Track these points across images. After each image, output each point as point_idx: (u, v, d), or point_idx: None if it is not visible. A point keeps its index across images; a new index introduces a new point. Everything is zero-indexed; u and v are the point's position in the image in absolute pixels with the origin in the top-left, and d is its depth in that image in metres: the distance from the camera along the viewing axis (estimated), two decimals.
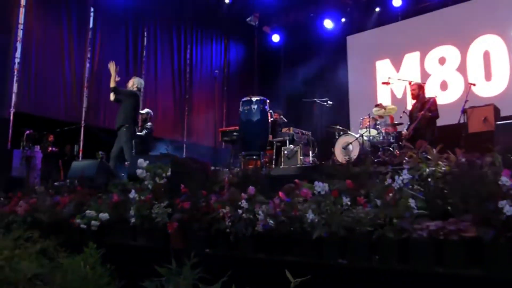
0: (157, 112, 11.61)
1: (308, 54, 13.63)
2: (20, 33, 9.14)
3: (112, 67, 6.84)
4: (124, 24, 11.16)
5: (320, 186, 2.19)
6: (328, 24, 13.34)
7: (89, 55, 10.42)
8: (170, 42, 12.27)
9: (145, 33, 11.69)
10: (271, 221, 2.51)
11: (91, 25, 10.54)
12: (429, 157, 2.42)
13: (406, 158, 2.41)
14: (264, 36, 14.52)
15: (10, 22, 8.96)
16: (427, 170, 2.34)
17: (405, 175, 2.12)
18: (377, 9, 12.53)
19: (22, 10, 9.15)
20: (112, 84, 6.82)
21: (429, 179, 2.31)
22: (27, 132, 8.88)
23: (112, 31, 10.85)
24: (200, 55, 12.98)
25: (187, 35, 12.68)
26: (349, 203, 2.16)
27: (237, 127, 7.93)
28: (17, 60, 9.12)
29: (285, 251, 2.46)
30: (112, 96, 7.02)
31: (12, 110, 9.01)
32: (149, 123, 8.33)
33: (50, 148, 9.62)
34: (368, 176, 2.39)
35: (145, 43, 11.72)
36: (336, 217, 2.10)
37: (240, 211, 2.51)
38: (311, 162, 8.56)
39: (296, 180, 2.71)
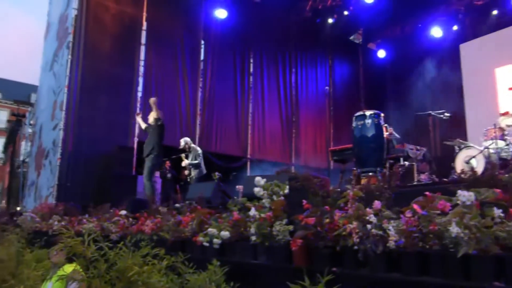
0: (265, 136, 11.86)
1: (417, 67, 13.02)
2: (141, 68, 10.07)
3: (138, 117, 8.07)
4: (232, 53, 11.71)
5: (465, 196, 1.94)
6: (438, 33, 12.62)
7: (201, 85, 11.09)
8: (275, 67, 12.55)
9: (251, 60, 12.10)
10: (402, 238, 2.30)
11: (202, 57, 11.24)
12: None
13: None
14: (369, 52, 14.24)
15: (133, 59, 9.93)
16: None
17: None
18: (494, 12, 11.55)
19: (142, 48, 10.09)
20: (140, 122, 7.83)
21: None
22: None
23: (220, 61, 11.45)
24: (305, 77, 13.06)
25: (291, 58, 12.86)
26: (502, 214, 1.88)
27: (347, 146, 7.72)
28: (139, 94, 10.02)
29: (422, 271, 2.22)
30: (143, 125, 7.86)
31: (135, 139, 9.83)
32: (199, 151, 8.69)
33: (169, 174, 10.25)
34: None
35: (251, 70, 12.12)
36: (487, 231, 1.83)
37: (369, 226, 2.33)
38: (428, 179, 7.94)
39: (427, 193, 2.47)
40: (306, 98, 12.81)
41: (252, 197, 3.80)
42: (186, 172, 8.87)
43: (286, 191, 3.43)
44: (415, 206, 2.22)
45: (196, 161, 8.70)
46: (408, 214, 2.29)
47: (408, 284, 2.24)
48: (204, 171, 8.65)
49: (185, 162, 8.72)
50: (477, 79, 11.78)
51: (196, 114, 10.83)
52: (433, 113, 8.56)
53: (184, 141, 8.83)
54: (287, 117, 12.51)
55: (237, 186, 8.31)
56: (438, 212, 2.23)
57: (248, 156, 11.55)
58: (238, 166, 11.10)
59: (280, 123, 12.32)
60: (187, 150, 8.78)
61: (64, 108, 9.26)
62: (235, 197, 5.33)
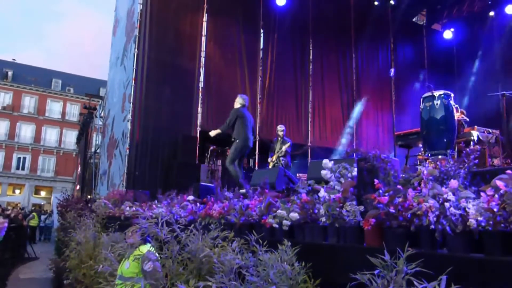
0: (326, 123, 11.74)
1: (487, 47, 12.29)
2: (202, 59, 10.30)
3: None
4: (291, 41, 11.67)
5: None
6: (511, 9, 11.80)
7: (260, 74, 11.15)
8: (335, 53, 12.37)
9: (311, 47, 11.99)
10: (483, 216, 2.21)
11: (261, 46, 11.28)
12: None
13: None
14: (433, 34, 13.64)
15: (195, 50, 10.17)
16: None
17: None
18: None
19: (203, 39, 10.30)
20: (215, 132, 6.98)
21: None
22: (211, 147, 9.84)
23: (280, 49, 11.45)
24: (366, 62, 12.75)
25: (351, 44, 12.60)
26: None
27: (413, 130, 7.48)
28: (200, 84, 10.27)
29: (507, 251, 2.12)
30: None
31: (198, 129, 10.10)
32: (288, 140, 8.43)
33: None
34: None
35: (310, 57, 12.01)
36: None
37: (447, 204, 2.26)
38: (501, 164, 7.50)
39: (509, 171, 2.35)
40: (367, 84, 12.51)
41: (318, 182, 3.81)
42: (270, 159, 8.68)
43: (354, 173, 3.40)
44: (498, 183, 2.12)
45: (285, 150, 8.40)
46: (490, 192, 2.19)
47: (492, 264, 2.16)
48: (290, 163, 8.41)
49: (280, 152, 8.48)
50: None
51: (256, 103, 10.94)
52: (506, 93, 8.05)
53: (280, 127, 8.66)
54: (348, 104, 12.30)
55: (298, 174, 8.29)
56: None
57: (309, 143, 11.50)
58: (299, 154, 11.09)
59: (341, 110, 12.14)
60: (279, 138, 8.52)
61: (131, 100, 9.68)
62: (302, 182, 5.34)
